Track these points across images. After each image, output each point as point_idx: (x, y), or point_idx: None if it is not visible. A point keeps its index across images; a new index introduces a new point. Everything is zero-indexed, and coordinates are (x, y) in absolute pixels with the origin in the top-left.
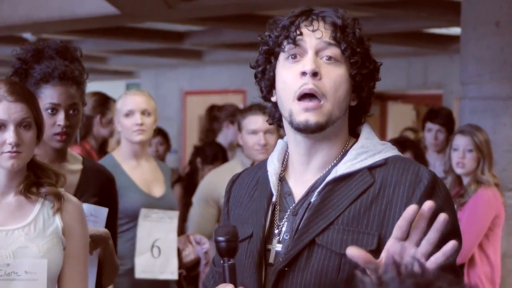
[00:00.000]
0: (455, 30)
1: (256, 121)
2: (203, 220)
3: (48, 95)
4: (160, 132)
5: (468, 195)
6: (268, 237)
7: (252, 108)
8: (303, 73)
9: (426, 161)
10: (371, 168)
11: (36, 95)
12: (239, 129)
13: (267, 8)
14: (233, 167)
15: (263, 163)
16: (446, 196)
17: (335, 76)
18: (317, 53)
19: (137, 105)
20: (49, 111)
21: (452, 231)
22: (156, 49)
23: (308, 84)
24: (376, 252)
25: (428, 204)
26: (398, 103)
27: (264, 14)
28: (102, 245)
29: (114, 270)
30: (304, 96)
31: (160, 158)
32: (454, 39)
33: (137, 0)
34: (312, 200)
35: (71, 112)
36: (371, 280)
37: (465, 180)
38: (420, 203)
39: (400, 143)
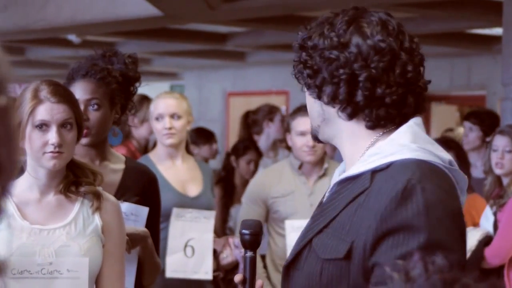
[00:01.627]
0: (498, 31)
1: (305, 123)
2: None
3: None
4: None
5: (507, 196)
6: None
7: (301, 110)
8: None
9: (469, 162)
10: (374, 172)
11: None
12: (288, 130)
13: (309, 9)
14: (282, 167)
15: None
16: (422, 209)
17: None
18: None
19: (166, 108)
20: None
21: (425, 248)
22: (199, 51)
23: None
24: (345, 261)
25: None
26: (441, 104)
27: (306, 15)
28: (141, 244)
29: (155, 270)
30: None
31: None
32: (497, 39)
33: (180, 2)
34: (325, 199)
35: (90, 107)
36: (399, 275)
37: (505, 181)
38: (384, 214)
39: (443, 143)
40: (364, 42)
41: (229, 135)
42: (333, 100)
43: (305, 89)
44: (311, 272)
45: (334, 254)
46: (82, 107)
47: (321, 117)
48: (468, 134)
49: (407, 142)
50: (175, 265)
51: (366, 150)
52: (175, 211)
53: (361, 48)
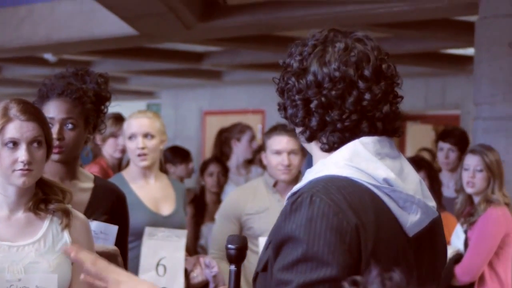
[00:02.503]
0: (472, 51)
1: (280, 141)
2: (223, 237)
3: (45, 110)
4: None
5: (478, 214)
6: None
7: (277, 128)
8: None
9: (440, 181)
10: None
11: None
12: (264, 148)
13: (284, 29)
14: (256, 185)
15: None
16: (305, 221)
17: None
18: None
19: (139, 128)
20: None
21: (303, 260)
22: (175, 69)
23: None
24: (262, 272)
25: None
26: (417, 123)
27: (281, 35)
28: (110, 262)
29: None
30: None
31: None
32: (471, 59)
33: (155, 21)
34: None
35: (65, 126)
36: None
37: (476, 200)
38: (275, 227)
39: (414, 162)
40: (320, 69)
41: (205, 153)
42: (293, 123)
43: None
44: (257, 283)
45: (259, 267)
46: (57, 126)
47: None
48: (449, 155)
49: (339, 160)
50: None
51: None
52: (147, 230)
53: (317, 76)
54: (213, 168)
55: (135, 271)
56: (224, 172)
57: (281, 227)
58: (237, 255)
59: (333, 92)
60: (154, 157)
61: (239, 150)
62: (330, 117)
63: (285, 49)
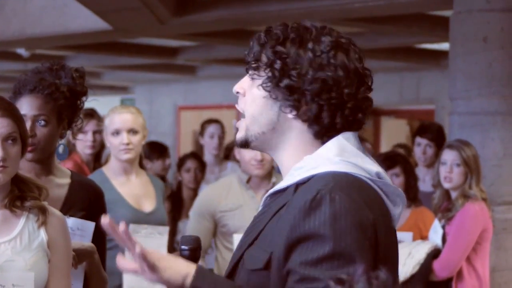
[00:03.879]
0: (447, 46)
1: None
2: (198, 233)
3: (18, 107)
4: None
5: (455, 209)
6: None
7: None
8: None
9: (416, 176)
10: (299, 185)
11: None
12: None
13: (259, 24)
14: (230, 181)
15: None
16: (329, 218)
17: (249, 94)
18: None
19: (123, 123)
20: None
21: (330, 257)
22: (150, 65)
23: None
24: (266, 271)
25: None
26: (391, 118)
27: (256, 30)
28: (87, 259)
29: (101, 285)
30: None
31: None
32: (445, 54)
33: (129, 16)
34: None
35: (38, 123)
36: None
37: (453, 195)
38: (293, 223)
39: (389, 158)
40: (350, 66)
41: (179, 149)
42: (307, 119)
43: (262, 96)
44: (242, 283)
45: (255, 265)
46: (29, 122)
47: (271, 125)
48: (427, 151)
49: (331, 155)
50: (132, 281)
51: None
52: (131, 227)
53: (349, 73)
54: (190, 163)
55: (119, 269)
56: (202, 168)
57: (299, 225)
58: (191, 256)
59: (353, 90)
60: (137, 151)
61: (206, 145)
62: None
63: None
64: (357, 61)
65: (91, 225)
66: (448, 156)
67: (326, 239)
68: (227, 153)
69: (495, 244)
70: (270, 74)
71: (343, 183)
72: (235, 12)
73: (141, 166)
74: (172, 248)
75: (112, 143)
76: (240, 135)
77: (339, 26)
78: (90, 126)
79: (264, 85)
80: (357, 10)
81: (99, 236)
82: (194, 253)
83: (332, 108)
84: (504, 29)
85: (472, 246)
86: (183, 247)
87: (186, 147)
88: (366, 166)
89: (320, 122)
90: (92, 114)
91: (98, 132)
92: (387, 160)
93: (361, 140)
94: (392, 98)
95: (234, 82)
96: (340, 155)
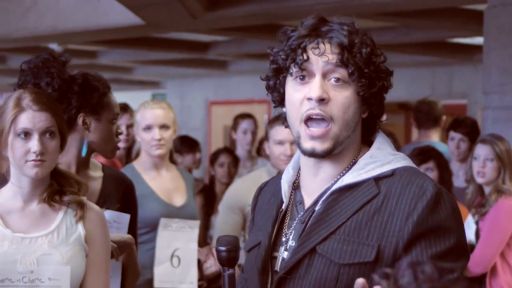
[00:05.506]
0: (479, 40)
1: (283, 132)
2: (227, 227)
3: None
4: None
5: (489, 204)
6: (275, 244)
7: (279, 118)
8: (310, 99)
9: (450, 171)
10: (377, 179)
11: None
12: (267, 138)
13: (291, 18)
14: (259, 176)
15: None
16: (451, 211)
17: (342, 99)
18: (324, 75)
19: (155, 119)
20: None
21: (455, 248)
22: (181, 59)
23: (315, 109)
24: (373, 263)
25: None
26: None
27: (288, 24)
28: (127, 250)
29: (136, 276)
30: (311, 119)
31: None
32: (478, 48)
33: (162, 11)
34: (317, 208)
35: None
36: (388, 283)
37: (487, 190)
38: (421, 217)
39: (423, 152)
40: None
41: (211, 144)
42: (374, 112)
43: (357, 99)
44: (322, 278)
45: (358, 258)
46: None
47: (353, 128)
48: (460, 145)
49: (392, 151)
50: (163, 275)
51: (355, 160)
52: (162, 221)
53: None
54: (223, 158)
55: (151, 262)
56: (235, 162)
57: (427, 219)
58: (229, 257)
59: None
60: (169, 147)
61: (239, 140)
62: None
63: None
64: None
65: (126, 217)
66: (481, 150)
67: (451, 231)
68: (258, 148)
69: None
70: (362, 81)
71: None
72: (266, 7)
73: (172, 160)
74: (205, 241)
75: (144, 138)
76: (327, 146)
77: (371, 20)
78: (123, 120)
79: (360, 91)
80: (389, 4)
81: (132, 228)
82: (232, 254)
83: (383, 105)
84: None
85: (506, 242)
86: (220, 248)
87: (217, 142)
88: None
89: (376, 117)
90: (125, 108)
91: (131, 126)
92: (421, 155)
93: (388, 135)
94: (424, 92)
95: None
96: (394, 150)
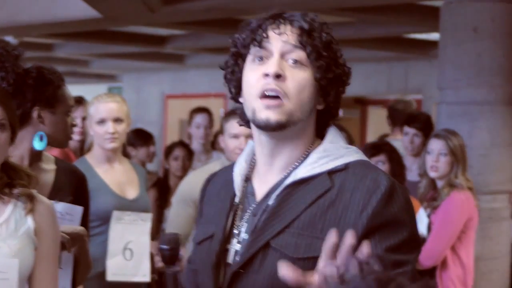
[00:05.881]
0: (435, 36)
1: (238, 125)
2: (180, 220)
3: None
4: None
5: (441, 198)
6: (228, 237)
7: (235, 112)
8: (266, 75)
9: (403, 165)
10: (331, 173)
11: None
12: (222, 132)
13: (249, 13)
14: (213, 168)
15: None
16: (404, 204)
17: (299, 79)
18: (282, 55)
19: (109, 113)
20: None
21: (408, 240)
22: (138, 53)
23: (271, 84)
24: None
25: (365, 248)
26: (378, 107)
27: (244, 19)
28: (79, 242)
29: (88, 269)
30: (267, 96)
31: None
32: (434, 44)
33: (119, 4)
34: (270, 202)
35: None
36: (333, 276)
37: (439, 184)
38: (375, 210)
39: (375, 146)
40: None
41: (166, 137)
42: (330, 105)
43: (313, 84)
44: (275, 273)
45: (312, 252)
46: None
47: (307, 112)
48: (414, 140)
49: (345, 145)
50: (115, 268)
51: (308, 152)
52: (115, 214)
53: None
54: (178, 152)
55: (103, 255)
56: (189, 156)
57: (382, 212)
58: (170, 256)
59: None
60: (122, 140)
61: (193, 134)
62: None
63: None
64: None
65: (79, 209)
66: (435, 145)
67: (405, 224)
68: (213, 142)
69: (480, 233)
70: (320, 63)
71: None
72: (225, 1)
73: (124, 154)
74: (157, 235)
75: (97, 132)
76: (280, 117)
77: (328, 15)
78: (78, 112)
79: (317, 75)
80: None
81: (84, 221)
82: (173, 252)
83: (339, 101)
84: (494, 19)
85: (457, 235)
86: (163, 246)
87: (173, 135)
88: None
89: (331, 113)
90: (80, 101)
91: (86, 118)
92: (373, 148)
93: (341, 129)
94: (380, 88)
95: (221, 71)
96: (346, 144)
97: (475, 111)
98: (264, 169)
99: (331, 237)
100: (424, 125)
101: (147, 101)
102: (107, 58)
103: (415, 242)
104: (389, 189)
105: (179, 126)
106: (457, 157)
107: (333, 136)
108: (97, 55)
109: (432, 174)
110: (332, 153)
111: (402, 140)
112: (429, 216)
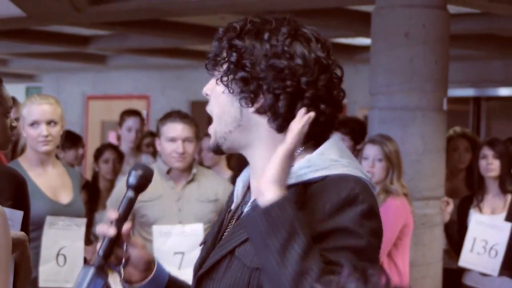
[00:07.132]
0: (361, 41)
1: (175, 129)
2: None
3: None
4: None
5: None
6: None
7: (171, 115)
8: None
9: None
10: (306, 184)
11: None
12: (158, 135)
13: (176, 15)
14: None
15: None
16: (358, 217)
17: (213, 94)
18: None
19: (42, 115)
20: None
21: (353, 248)
22: (59, 53)
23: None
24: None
25: None
26: None
27: (171, 20)
28: (20, 248)
29: (29, 275)
30: None
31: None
32: (359, 49)
33: (45, 3)
34: (245, 210)
35: None
36: None
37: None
38: (327, 219)
39: None
40: (309, 55)
41: (87, 139)
42: (266, 111)
43: (222, 91)
44: (235, 282)
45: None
46: None
47: (236, 122)
48: None
49: (337, 158)
50: (48, 274)
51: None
52: (48, 219)
53: (307, 62)
54: (108, 154)
55: (36, 261)
56: (120, 159)
57: (332, 220)
58: (140, 183)
59: (325, 83)
60: (56, 143)
61: (123, 138)
62: (320, 109)
63: (174, 35)
64: (320, 51)
65: (19, 214)
66: (370, 151)
67: (351, 235)
68: (139, 145)
69: (413, 239)
70: (226, 67)
71: (364, 187)
72: (152, 2)
73: (56, 156)
74: (88, 239)
75: (30, 134)
76: (211, 141)
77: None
78: (11, 113)
79: (222, 79)
80: (276, 3)
81: (25, 226)
82: (141, 181)
83: (289, 97)
84: (425, 25)
85: (393, 242)
86: (137, 171)
87: (94, 137)
88: (363, 170)
89: (279, 114)
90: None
91: (18, 119)
92: None
93: (358, 124)
94: None
95: (145, 72)
96: (342, 157)
97: (407, 116)
98: (253, 179)
99: None
100: (351, 130)
101: (67, 102)
102: (26, 58)
103: (362, 256)
104: (345, 199)
105: (100, 127)
106: (392, 162)
107: (326, 147)
108: (16, 54)
109: None
110: (316, 164)
111: None
112: None
